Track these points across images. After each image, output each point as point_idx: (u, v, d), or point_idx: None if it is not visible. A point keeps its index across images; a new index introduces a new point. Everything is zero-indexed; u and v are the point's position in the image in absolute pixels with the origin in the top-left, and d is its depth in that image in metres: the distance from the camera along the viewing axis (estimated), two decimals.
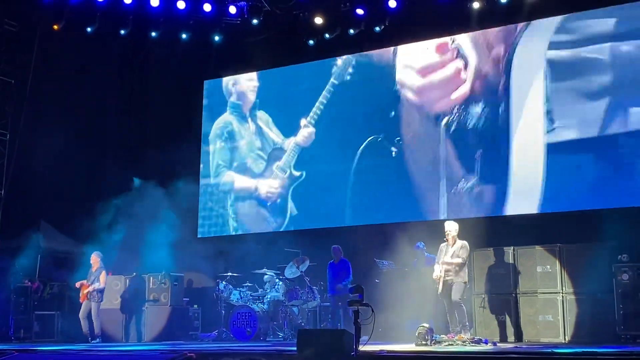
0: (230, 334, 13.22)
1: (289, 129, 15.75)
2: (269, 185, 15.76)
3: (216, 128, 16.62)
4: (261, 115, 16.12)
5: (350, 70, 15.19)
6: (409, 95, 14.48)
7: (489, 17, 13.73)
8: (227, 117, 16.54)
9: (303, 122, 15.49)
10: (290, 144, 15.65)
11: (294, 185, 15.48)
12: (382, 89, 14.81)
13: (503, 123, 13.48)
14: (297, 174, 15.50)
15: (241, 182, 16.10)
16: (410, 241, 13.07)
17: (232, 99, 16.51)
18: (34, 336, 14.39)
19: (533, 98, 13.23)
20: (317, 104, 15.34)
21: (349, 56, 15.20)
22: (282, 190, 15.60)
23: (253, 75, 16.40)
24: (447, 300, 10.98)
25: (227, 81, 16.67)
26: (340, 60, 15.29)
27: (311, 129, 15.40)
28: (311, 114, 15.40)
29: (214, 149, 16.56)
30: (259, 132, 16.09)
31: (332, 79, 15.28)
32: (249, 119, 16.23)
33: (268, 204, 15.72)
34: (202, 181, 16.53)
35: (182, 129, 16.63)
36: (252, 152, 16.07)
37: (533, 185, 13.01)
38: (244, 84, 16.46)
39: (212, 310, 14.32)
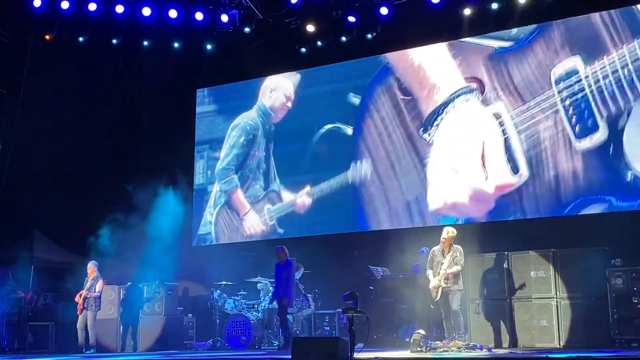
0: (225, 342, 13.20)
1: (290, 181, 15.60)
2: (255, 224, 15.72)
3: (245, 122, 16.25)
4: (273, 138, 15.95)
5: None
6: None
7: (480, 24, 13.78)
8: (255, 118, 16.22)
9: (307, 189, 15.28)
10: (287, 196, 15.49)
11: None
12: None
13: None
14: (280, 231, 15.45)
15: (240, 196, 16.01)
16: (404, 248, 13.09)
17: (266, 103, 16.16)
18: (28, 347, 14.33)
19: None
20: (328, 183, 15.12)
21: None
22: (265, 230, 15.64)
23: (290, 91, 15.96)
24: (445, 308, 10.97)
25: (268, 84, 16.22)
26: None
27: (310, 201, 15.22)
28: (319, 187, 15.14)
29: (236, 139, 16.26)
30: (267, 155, 15.93)
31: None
32: (267, 135, 16.01)
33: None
34: (198, 188, 16.50)
35: (175, 137, 16.61)
36: (258, 172, 15.93)
37: None
38: (280, 96, 16.08)
39: (207, 319, 14.28)
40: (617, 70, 12.52)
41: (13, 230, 15.54)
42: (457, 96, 13.95)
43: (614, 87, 12.51)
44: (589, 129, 12.66)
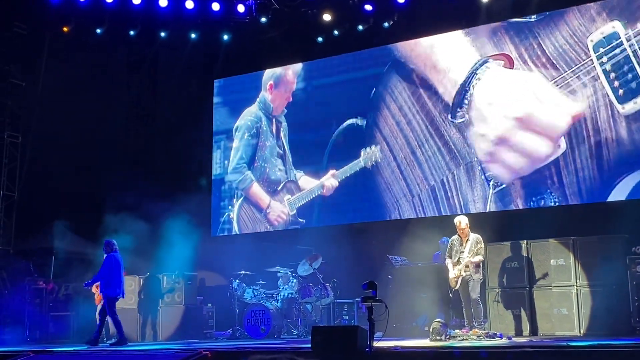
0: (245, 331, 13.26)
1: (309, 167, 15.53)
2: (280, 211, 15.71)
3: (246, 119, 16.30)
4: (284, 128, 15.92)
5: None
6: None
7: (498, 11, 13.67)
8: (256, 111, 16.24)
9: (332, 172, 15.21)
10: (306, 183, 15.47)
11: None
12: None
13: None
14: (301, 220, 15.44)
15: (257, 190, 16.04)
16: (424, 236, 13.07)
17: (266, 95, 16.17)
18: (49, 337, 14.46)
19: None
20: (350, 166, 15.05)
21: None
22: (287, 220, 15.65)
23: (292, 83, 15.90)
24: (465, 297, 10.95)
25: (267, 78, 16.19)
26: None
27: (336, 183, 15.16)
28: (342, 170, 15.06)
29: (240, 140, 16.32)
30: (280, 142, 15.92)
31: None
32: (274, 123, 16.05)
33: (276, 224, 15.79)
34: (216, 178, 16.54)
35: (193, 128, 16.65)
36: (273, 158, 15.94)
37: None
38: (282, 91, 16.04)
39: (226, 309, 14.34)
40: None
41: (33, 221, 15.67)
42: (476, 70, 13.69)
43: None
44: (633, 91, 12.31)
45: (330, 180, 15.18)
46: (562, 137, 12.82)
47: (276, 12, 15.03)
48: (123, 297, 12.69)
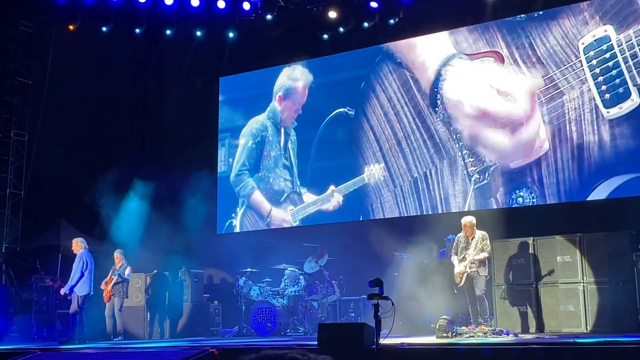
0: (251, 329, 13.27)
1: (312, 183, 15.54)
2: (282, 219, 15.74)
3: (252, 127, 16.29)
4: (292, 140, 15.89)
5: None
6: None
7: (504, 7, 13.65)
8: (264, 120, 16.21)
9: (332, 187, 15.18)
10: (309, 198, 15.43)
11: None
12: None
13: None
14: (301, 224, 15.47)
15: (259, 198, 16.02)
16: (431, 234, 13.06)
17: (276, 106, 16.11)
18: (56, 335, 14.49)
19: None
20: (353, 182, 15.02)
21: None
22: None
23: (302, 96, 15.87)
24: (470, 294, 10.97)
25: (278, 88, 16.12)
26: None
27: (340, 198, 15.10)
28: (345, 185, 15.04)
29: (244, 147, 16.31)
30: (287, 154, 15.89)
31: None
32: (282, 134, 16.02)
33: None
34: (221, 176, 16.54)
35: (199, 126, 16.67)
36: (278, 169, 15.91)
37: None
38: (292, 103, 15.97)
39: (233, 306, 14.37)
40: None
41: (40, 219, 15.70)
42: (444, 65, 13.92)
43: None
44: (620, 96, 12.42)
45: (336, 197, 15.14)
46: (546, 140, 12.94)
47: (282, 9, 15.03)
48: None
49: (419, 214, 14.17)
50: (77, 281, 12.26)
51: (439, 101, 14.03)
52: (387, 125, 14.59)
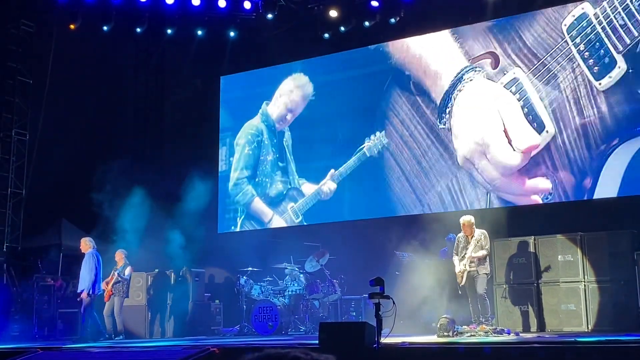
0: (252, 328, 13.28)
1: (311, 174, 15.54)
2: (284, 222, 15.77)
3: (247, 133, 16.31)
4: (287, 138, 15.90)
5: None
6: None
7: (504, 6, 13.65)
8: (258, 124, 16.22)
9: (331, 171, 15.22)
10: (309, 189, 15.45)
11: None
12: None
13: None
14: (305, 223, 15.45)
15: (259, 205, 16.01)
16: (432, 232, 13.07)
17: (270, 110, 16.15)
18: (58, 334, 14.50)
19: None
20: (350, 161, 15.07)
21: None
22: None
23: (298, 101, 15.88)
24: (471, 293, 10.98)
25: (277, 95, 16.16)
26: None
27: (334, 186, 15.17)
28: (341, 169, 15.10)
29: (240, 154, 16.31)
30: (284, 156, 15.88)
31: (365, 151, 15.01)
32: (277, 135, 15.99)
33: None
34: (222, 175, 16.54)
35: (200, 125, 16.67)
36: (274, 173, 15.92)
37: None
38: (283, 108, 16.01)
39: (234, 305, 14.37)
40: (625, 1, 12.58)
41: (41, 219, 15.71)
42: (460, 78, 13.97)
43: (625, 18, 12.52)
44: (606, 66, 12.67)
45: (328, 184, 15.15)
46: (551, 122, 13.12)
47: (282, 8, 15.03)
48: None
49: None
50: (96, 280, 12.26)
51: (446, 115, 14.11)
52: (405, 147, 14.60)
